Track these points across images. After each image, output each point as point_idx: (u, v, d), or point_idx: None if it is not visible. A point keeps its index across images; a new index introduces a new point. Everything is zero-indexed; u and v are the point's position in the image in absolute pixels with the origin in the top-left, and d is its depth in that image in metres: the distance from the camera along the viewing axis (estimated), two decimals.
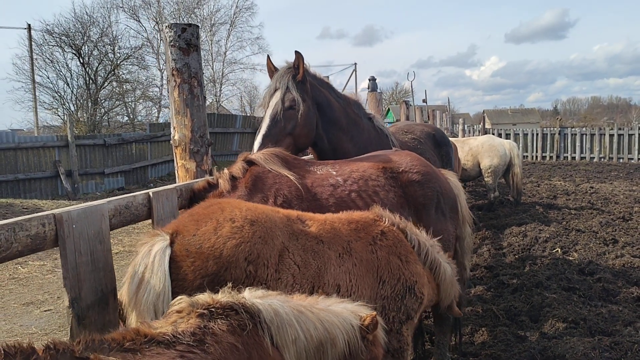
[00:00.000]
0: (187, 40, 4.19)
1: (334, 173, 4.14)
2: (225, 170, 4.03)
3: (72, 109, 26.11)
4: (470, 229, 4.67)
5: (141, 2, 37.05)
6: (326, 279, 2.96)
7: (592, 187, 17.45)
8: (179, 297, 2.30)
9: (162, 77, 37.03)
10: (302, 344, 2.33)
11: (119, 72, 27.84)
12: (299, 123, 4.82)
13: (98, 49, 26.94)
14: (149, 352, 1.96)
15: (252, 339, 2.20)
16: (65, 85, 26.14)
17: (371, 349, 2.52)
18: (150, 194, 3.50)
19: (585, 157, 30.39)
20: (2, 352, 1.73)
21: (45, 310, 7.28)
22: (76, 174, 18.49)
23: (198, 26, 4.37)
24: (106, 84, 27.28)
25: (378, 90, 11.23)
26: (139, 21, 36.59)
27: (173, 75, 4.20)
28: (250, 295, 2.37)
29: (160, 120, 32.77)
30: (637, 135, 29.04)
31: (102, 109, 26.93)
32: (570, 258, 8.07)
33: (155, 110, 34.69)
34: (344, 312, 2.51)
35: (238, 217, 2.86)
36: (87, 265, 2.83)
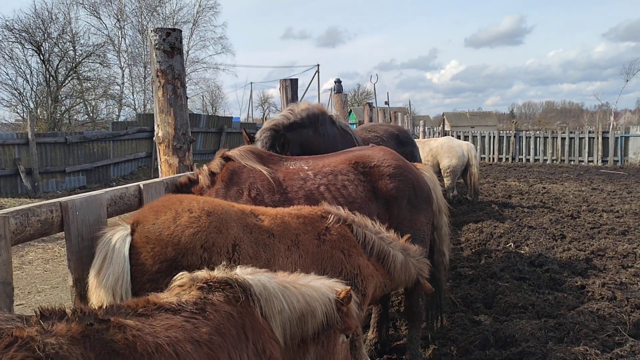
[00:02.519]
0: (171, 44, 4.48)
1: (306, 167, 4.47)
2: (205, 167, 4.34)
3: (32, 106, 25.68)
4: (447, 218, 5.05)
5: None
6: (274, 269, 3.19)
7: (544, 188, 18.30)
8: (181, 272, 2.61)
9: (123, 75, 36.68)
10: (286, 314, 2.68)
11: (80, 70, 27.49)
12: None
13: (59, 46, 26.54)
14: (159, 317, 2.28)
15: (245, 309, 2.54)
16: (25, 82, 25.73)
17: (345, 320, 2.86)
18: (141, 185, 3.79)
19: (538, 159, 31.59)
20: (39, 313, 2.03)
21: (16, 305, 7.37)
22: (36, 172, 18.24)
23: (181, 31, 4.66)
24: (67, 81, 26.90)
25: (343, 92, 11.62)
26: (100, 18, 36.10)
27: (158, 76, 4.48)
28: (242, 272, 2.71)
29: (121, 119, 32.49)
30: (587, 139, 30.37)
31: (63, 107, 26.53)
32: (522, 252, 8.64)
33: (117, 109, 34.30)
34: (322, 287, 2.85)
35: (196, 208, 3.14)
36: (88, 249, 3.10)
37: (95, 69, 29.35)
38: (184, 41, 40.22)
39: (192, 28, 42.46)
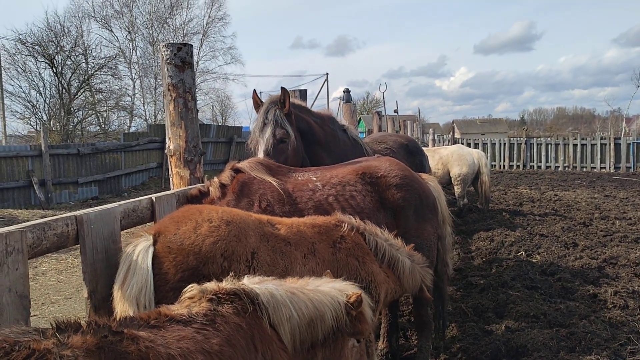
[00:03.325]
0: (182, 59, 4.56)
1: (314, 179, 4.52)
2: (215, 179, 4.40)
3: (45, 118, 25.99)
4: (450, 228, 5.09)
5: (113, 11, 37.02)
6: (292, 277, 3.24)
7: (556, 195, 18.20)
8: (190, 285, 2.66)
9: (134, 86, 37.03)
10: (295, 321, 2.71)
11: (92, 82, 27.81)
12: (290, 154, 5.21)
13: (71, 59, 26.89)
14: (171, 329, 2.33)
15: (254, 320, 2.58)
16: (38, 94, 26.06)
17: (355, 324, 2.84)
18: (153, 198, 3.84)
19: (550, 166, 31.43)
20: (55, 325, 2.08)
21: (31, 316, 7.45)
22: (49, 184, 18.46)
23: (192, 45, 4.74)
24: (79, 93, 27.22)
25: (352, 102, 11.69)
26: (111, 31, 36.54)
27: (169, 90, 4.55)
28: (249, 282, 2.75)
29: (132, 130, 32.76)
30: (599, 145, 30.19)
31: (76, 119, 26.83)
32: (534, 260, 8.61)
33: (128, 120, 34.62)
34: (332, 290, 2.85)
35: (215, 218, 3.21)
36: (102, 262, 3.16)
37: (107, 81, 29.71)
38: (194, 52, 40.48)
39: (202, 39, 42.82)
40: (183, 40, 41.63)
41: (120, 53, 35.14)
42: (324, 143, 5.60)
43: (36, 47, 25.73)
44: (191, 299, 2.59)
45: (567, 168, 30.93)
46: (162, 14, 39.67)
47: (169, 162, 4.77)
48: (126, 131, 29.37)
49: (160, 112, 38.48)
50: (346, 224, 3.74)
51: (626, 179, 25.20)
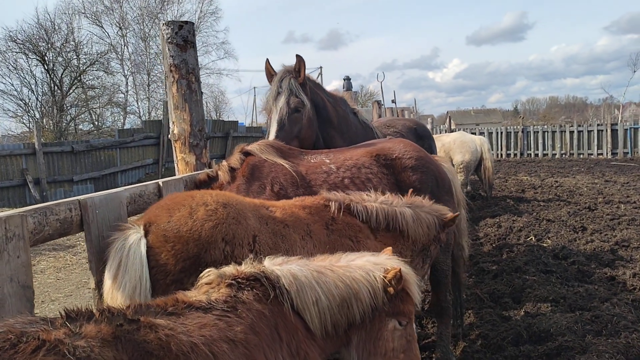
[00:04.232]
0: (184, 37, 4.32)
1: (328, 161, 4.30)
2: (224, 162, 4.17)
3: (38, 116, 25.62)
4: (464, 211, 4.90)
5: (103, 7, 36.56)
6: None
7: (557, 181, 18.06)
8: (207, 269, 2.44)
9: (127, 83, 36.63)
10: (323, 304, 2.47)
11: (84, 79, 27.42)
12: (304, 125, 4.95)
13: (63, 56, 26.49)
14: (190, 316, 2.12)
15: (276, 307, 2.36)
16: (30, 92, 25.66)
17: (396, 304, 2.57)
18: (160, 183, 3.62)
19: (547, 154, 31.31)
20: (64, 314, 1.86)
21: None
22: (44, 182, 18.15)
23: (194, 23, 4.50)
24: (72, 90, 26.83)
25: (353, 90, 11.46)
26: (102, 27, 36.08)
27: (171, 71, 4.32)
28: (270, 264, 2.53)
29: (126, 127, 32.38)
30: (595, 132, 30.08)
31: (69, 116, 26.46)
32: (545, 245, 8.43)
33: (122, 117, 34.24)
34: (366, 264, 2.60)
35: (210, 201, 2.98)
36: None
37: (99, 77, 29.32)
38: None
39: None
40: None
41: (112, 49, 34.70)
42: (337, 124, 5.37)
43: (27, 44, 25.35)
44: (209, 285, 2.38)
45: (564, 155, 30.80)
46: (153, 9, 39.23)
47: (173, 148, 4.53)
48: (120, 128, 29.04)
49: (154, 109, 38.14)
50: (333, 203, 3.52)
51: (624, 164, 25.08)
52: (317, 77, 52.31)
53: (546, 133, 31.72)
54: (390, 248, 2.96)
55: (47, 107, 25.87)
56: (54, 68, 25.89)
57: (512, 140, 32.44)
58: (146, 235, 2.80)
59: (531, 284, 6.26)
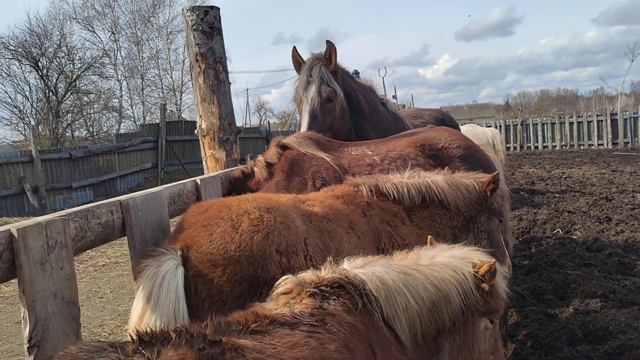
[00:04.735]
0: (210, 24, 3.99)
1: (370, 153, 3.99)
2: (260, 157, 3.85)
3: (33, 123, 25.10)
4: (508, 205, 4.58)
5: (95, 12, 36.04)
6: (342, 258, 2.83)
7: (564, 173, 17.82)
8: (284, 277, 2.11)
9: (121, 88, 36.13)
10: (413, 310, 2.14)
11: (79, 84, 26.93)
12: (337, 116, 4.62)
13: (57, 61, 25.99)
14: (277, 334, 1.79)
15: (366, 318, 2.03)
16: (25, 99, 25.14)
17: (488, 301, 2.30)
18: (198, 181, 3.29)
19: (547, 146, 31.12)
20: (137, 338, 1.52)
21: None
22: (43, 190, 17.72)
23: (219, 8, 4.16)
24: (67, 96, 26.33)
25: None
26: (94, 32, 35.58)
27: (197, 60, 3.99)
28: (351, 267, 2.20)
29: (121, 132, 31.90)
30: (595, 123, 29.90)
31: (65, 122, 25.98)
32: (574, 237, 8.14)
33: (117, 122, 33.73)
34: (452, 261, 2.31)
35: (251, 208, 2.60)
36: None
37: (94, 82, 28.84)
38: (180, 50, 39.23)
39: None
40: (168, 39, 40.84)
41: (105, 54, 34.20)
42: (368, 115, 5.05)
43: (20, 50, 24.83)
44: (287, 295, 2.04)
45: (564, 147, 30.61)
46: (145, 13, 38.73)
47: (201, 144, 4.19)
48: (116, 133, 28.54)
49: (148, 113, 37.67)
50: (363, 187, 3.24)
51: (626, 154, 24.92)
52: None
53: (545, 125, 31.55)
54: (430, 237, 2.71)
55: (42, 113, 25.37)
56: (48, 74, 25.40)
57: (511, 134, 32.21)
58: (185, 262, 2.39)
59: (574, 279, 5.95)
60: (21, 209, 17.21)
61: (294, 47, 4.88)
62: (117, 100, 34.44)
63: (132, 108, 37.34)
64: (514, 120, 33.27)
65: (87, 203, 18.20)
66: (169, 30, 40.79)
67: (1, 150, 23.56)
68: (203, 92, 4.00)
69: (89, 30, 35.15)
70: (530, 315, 5.26)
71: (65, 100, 26.22)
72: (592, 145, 29.90)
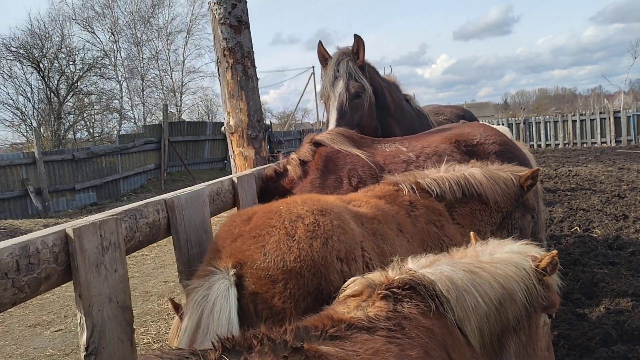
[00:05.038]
0: (238, 17, 3.87)
1: (404, 149, 3.88)
2: (293, 155, 3.73)
3: (35, 124, 24.96)
4: (542, 202, 4.47)
5: (94, 13, 35.90)
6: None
7: (570, 171, 17.71)
8: (352, 279, 2.00)
9: (121, 89, 35.98)
10: (482, 310, 2.05)
11: (81, 85, 26.79)
12: (366, 112, 4.50)
13: (58, 61, 25.84)
14: (356, 339, 1.68)
15: (440, 321, 1.92)
16: (26, 100, 25.00)
17: (548, 295, 2.23)
18: (234, 179, 3.17)
19: (550, 144, 31.04)
20: (220, 345, 1.41)
21: (56, 331, 6.74)
22: (46, 192, 17.58)
23: (247, 1, 4.03)
24: (69, 97, 26.19)
25: None
26: (94, 33, 35.42)
27: (225, 55, 3.87)
28: (417, 266, 2.09)
29: (122, 133, 31.76)
30: (598, 120, 29.80)
31: (67, 123, 25.84)
32: (595, 235, 8.02)
33: (117, 123, 33.58)
34: (512, 257, 2.22)
35: (304, 212, 2.36)
36: (197, 259, 2.47)
37: (96, 82, 28.70)
38: (179, 50, 39.13)
39: (186, 37, 41.73)
40: (168, 40, 40.68)
41: (105, 55, 34.06)
42: (393, 111, 4.93)
43: (21, 52, 24.69)
44: (357, 297, 1.92)
45: (567, 145, 30.51)
46: (145, 14, 38.61)
47: (229, 142, 4.07)
48: (117, 134, 28.39)
49: (149, 114, 37.52)
50: (404, 185, 3.10)
51: (630, 151, 24.80)
52: (310, 77, 51.93)
53: (548, 123, 31.47)
54: (473, 233, 2.60)
55: (44, 115, 25.22)
56: (50, 75, 25.25)
57: (513, 132, 32.06)
58: (239, 281, 2.14)
59: (602, 278, 5.83)
60: (24, 211, 17.07)
61: (320, 42, 4.76)
62: (117, 101, 34.33)
63: (132, 109, 37.22)
64: (516, 118, 33.19)
65: (90, 205, 18.06)
66: (168, 30, 40.72)
67: (3, 152, 23.40)
68: (231, 88, 3.88)
69: (88, 31, 35.03)
70: (560, 315, 5.14)
71: (66, 101, 26.07)
72: (595, 143, 29.79)
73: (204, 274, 2.14)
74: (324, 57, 4.72)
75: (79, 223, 1.77)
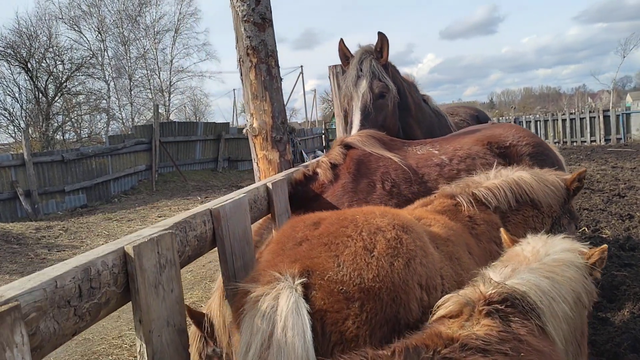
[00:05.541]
0: (261, 14, 3.70)
1: (437, 152, 3.73)
2: (324, 158, 3.57)
3: (23, 125, 24.49)
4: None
5: (81, 12, 35.40)
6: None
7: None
8: (447, 296, 1.84)
9: (108, 89, 35.53)
10: (569, 318, 1.95)
11: (69, 85, 26.33)
12: (389, 113, 4.34)
13: (46, 61, 25.38)
14: None
15: (546, 341, 1.79)
16: (14, 100, 24.51)
17: (595, 291, 2.19)
18: (269, 185, 2.99)
19: None
20: None
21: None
22: (35, 194, 17.20)
23: None
24: (57, 97, 25.73)
25: None
26: (81, 32, 34.93)
27: (248, 54, 3.69)
28: (499, 275, 1.96)
29: (111, 133, 31.32)
30: (588, 119, 29.97)
31: (56, 124, 25.39)
32: (604, 235, 7.94)
33: (106, 123, 33.13)
34: (569, 256, 2.13)
35: (384, 225, 2.05)
36: (241, 272, 2.30)
37: (84, 82, 28.24)
38: (167, 50, 38.77)
39: (174, 36, 41.34)
40: (155, 39, 40.25)
41: (92, 55, 33.59)
42: (414, 112, 4.79)
43: (8, 51, 24.21)
44: (457, 318, 1.76)
45: (557, 144, 30.58)
46: (132, 12, 38.16)
47: (252, 145, 3.89)
48: (105, 135, 27.98)
49: (137, 114, 37.10)
50: (462, 198, 2.90)
51: (620, 150, 24.93)
52: (298, 77, 51.64)
53: (538, 122, 31.62)
54: (503, 230, 2.56)
55: (32, 116, 24.75)
56: (38, 75, 24.79)
57: None
58: (307, 291, 1.81)
59: (622, 281, 5.73)
60: (14, 213, 16.70)
61: (341, 40, 4.60)
62: (105, 101, 33.89)
63: (120, 109, 36.78)
64: (507, 117, 33.29)
65: (81, 207, 17.73)
66: (156, 29, 40.29)
67: None
68: (254, 88, 3.71)
69: (75, 30, 34.56)
70: None
71: (55, 101, 25.63)
72: (585, 142, 29.97)
73: (268, 280, 1.82)
74: (345, 55, 4.56)
75: (136, 239, 1.59)
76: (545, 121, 31.42)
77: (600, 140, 29.51)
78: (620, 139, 29.18)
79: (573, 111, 32.21)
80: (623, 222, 8.74)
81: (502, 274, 1.95)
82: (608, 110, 30.36)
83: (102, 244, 11.67)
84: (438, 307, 1.81)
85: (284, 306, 1.71)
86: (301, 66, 53.37)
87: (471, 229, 2.74)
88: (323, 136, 33.69)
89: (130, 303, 1.57)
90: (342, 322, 1.79)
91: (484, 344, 1.58)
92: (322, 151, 29.68)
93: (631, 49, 50.89)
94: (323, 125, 37.38)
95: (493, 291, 1.81)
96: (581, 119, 30.27)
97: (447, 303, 1.79)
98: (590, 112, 30.74)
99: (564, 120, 30.73)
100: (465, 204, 2.83)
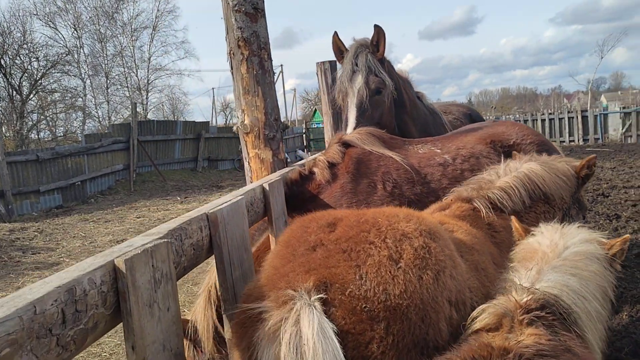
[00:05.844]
0: (254, 4, 3.47)
1: (439, 151, 3.55)
2: (321, 157, 3.36)
3: None
4: None
5: (56, 8, 34.65)
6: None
7: None
8: (480, 308, 1.66)
9: (84, 86, 34.84)
10: (601, 318, 1.87)
11: (44, 83, 25.71)
12: (386, 109, 4.15)
13: (20, 58, 24.75)
14: None
15: (587, 349, 1.64)
16: None
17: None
18: (265, 185, 2.77)
19: None
20: None
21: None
22: (9, 194, 16.67)
23: None
24: (32, 95, 25.10)
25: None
26: (56, 28, 34.18)
27: (239, 46, 3.46)
28: (529, 280, 1.82)
29: (87, 132, 30.71)
30: (566, 119, 30.24)
31: (30, 122, 24.76)
32: None
33: (81, 122, 32.47)
34: (589, 248, 2.03)
35: (410, 230, 1.81)
36: (240, 282, 2.08)
37: (59, 80, 27.62)
38: (145, 47, 38.23)
39: (152, 33, 40.74)
40: (132, 36, 39.61)
41: (68, 52, 32.88)
42: (409, 109, 4.61)
43: None
44: (498, 330, 1.60)
45: None
46: (109, 9, 37.49)
47: (243, 143, 3.66)
48: (81, 133, 27.41)
49: (113, 113, 36.46)
50: (479, 203, 2.74)
51: (598, 149, 25.18)
52: (278, 76, 51.53)
53: (518, 122, 31.84)
54: (514, 218, 2.45)
55: (5, 114, 24.10)
56: (12, 72, 24.14)
57: None
58: (325, 307, 1.57)
59: (619, 283, 5.61)
60: None
61: (335, 33, 4.40)
62: (81, 99, 33.21)
63: (96, 107, 36.09)
64: (487, 117, 33.45)
65: (56, 207, 17.25)
66: (133, 27, 39.66)
67: None
68: (246, 82, 3.48)
69: (50, 27, 33.80)
70: None
71: (29, 99, 24.99)
72: (564, 141, 30.22)
73: (282, 300, 1.57)
74: (339, 49, 4.36)
75: (127, 251, 1.36)
76: (525, 121, 31.58)
77: (578, 140, 29.79)
78: (598, 138, 29.50)
79: (552, 111, 32.45)
80: (611, 222, 8.69)
81: (528, 277, 1.79)
82: (586, 111, 30.68)
83: (79, 245, 11.28)
84: (473, 320, 1.63)
85: (309, 333, 1.46)
86: (281, 65, 53.11)
87: (492, 237, 2.57)
88: (304, 135, 33.45)
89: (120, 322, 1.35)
90: (365, 346, 1.55)
91: (538, 352, 1.45)
92: (303, 150, 29.44)
93: (609, 50, 51.55)
94: (304, 125, 37.11)
95: (529, 298, 1.66)
96: (560, 119, 30.53)
97: (483, 315, 1.63)
98: (568, 112, 31.04)
99: (543, 121, 30.97)
100: (484, 210, 2.66)
